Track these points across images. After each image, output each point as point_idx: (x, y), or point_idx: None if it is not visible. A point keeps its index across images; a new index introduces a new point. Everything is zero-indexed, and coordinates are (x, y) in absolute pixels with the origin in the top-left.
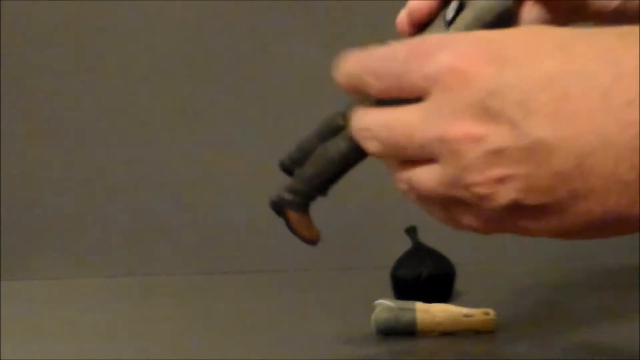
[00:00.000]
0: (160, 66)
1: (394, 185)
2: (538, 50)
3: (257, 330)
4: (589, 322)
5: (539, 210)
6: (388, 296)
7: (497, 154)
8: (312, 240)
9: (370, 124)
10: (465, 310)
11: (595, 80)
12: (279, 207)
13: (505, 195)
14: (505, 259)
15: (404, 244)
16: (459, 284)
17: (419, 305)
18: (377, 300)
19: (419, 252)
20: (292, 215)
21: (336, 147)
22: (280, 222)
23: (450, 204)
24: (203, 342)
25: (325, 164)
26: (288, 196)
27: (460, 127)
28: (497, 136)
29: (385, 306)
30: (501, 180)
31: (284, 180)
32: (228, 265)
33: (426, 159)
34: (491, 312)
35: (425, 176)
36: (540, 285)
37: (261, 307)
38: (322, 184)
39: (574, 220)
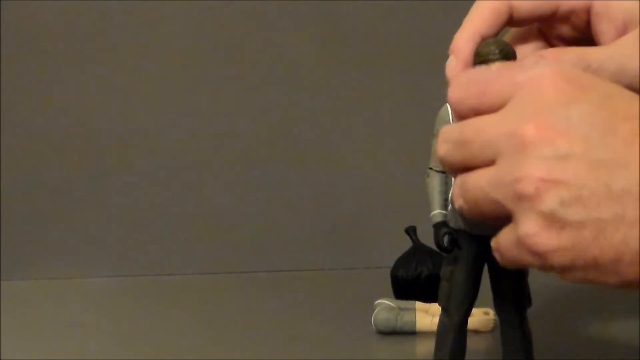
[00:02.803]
0: (161, 65)
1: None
2: (607, 128)
3: (257, 330)
4: (588, 322)
5: (575, 227)
6: (388, 296)
7: (561, 160)
8: None
9: (448, 128)
10: None
11: None
12: None
13: (550, 200)
14: None
15: (404, 244)
16: None
17: (419, 305)
18: (377, 300)
19: (419, 252)
20: None
21: None
22: (280, 222)
23: (492, 214)
24: (203, 342)
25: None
26: None
27: (535, 127)
28: (569, 143)
29: (385, 306)
30: (552, 182)
31: (284, 176)
32: (228, 265)
33: (487, 162)
34: (491, 312)
35: (478, 176)
36: (539, 285)
37: (261, 307)
38: None
39: (605, 249)
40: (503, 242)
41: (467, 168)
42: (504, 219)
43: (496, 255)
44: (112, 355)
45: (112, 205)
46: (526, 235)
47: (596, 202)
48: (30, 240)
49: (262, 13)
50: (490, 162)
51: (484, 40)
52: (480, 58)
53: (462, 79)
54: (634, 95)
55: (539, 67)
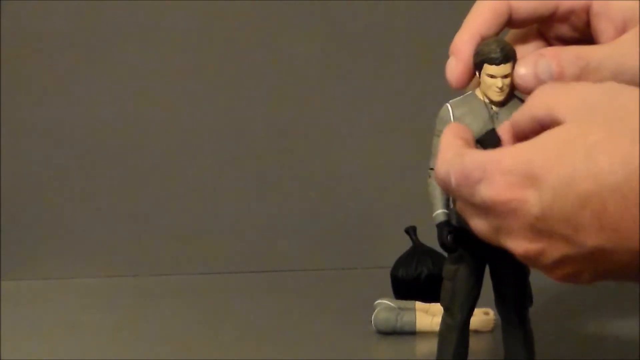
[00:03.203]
0: (162, 66)
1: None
2: (568, 171)
3: (257, 330)
4: (589, 322)
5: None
6: (388, 296)
7: (563, 261)
8: None
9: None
10: None
11: (625, 190)
12: None
13: (582, 282)
14: None
15: (404, 244)
16: None
17: (419, 305)
18: (377, 300)
19: (419, 252)
20: None
21: None
22: (279, 222)
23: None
24: (203, 342)
25: None
26: None
27: (519, 247)
28: (557, 249)
29: (385, 306)
30: (573, 275)
31: (284, 176)
32: (228, 265)
33: None
34: (491, 312)
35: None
36: (539, 285)
37: (261, 307)
38: None
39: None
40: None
41: None
42: None
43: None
44: (112, 355)
45: (112, 205)
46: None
47: (612, 270)
48: (30, 240)
49: (263, 13)
50: None
51: (484, 40)
52: (480, 57)
53: (443, 176)
54: (588, 156)
55: (483, 186)
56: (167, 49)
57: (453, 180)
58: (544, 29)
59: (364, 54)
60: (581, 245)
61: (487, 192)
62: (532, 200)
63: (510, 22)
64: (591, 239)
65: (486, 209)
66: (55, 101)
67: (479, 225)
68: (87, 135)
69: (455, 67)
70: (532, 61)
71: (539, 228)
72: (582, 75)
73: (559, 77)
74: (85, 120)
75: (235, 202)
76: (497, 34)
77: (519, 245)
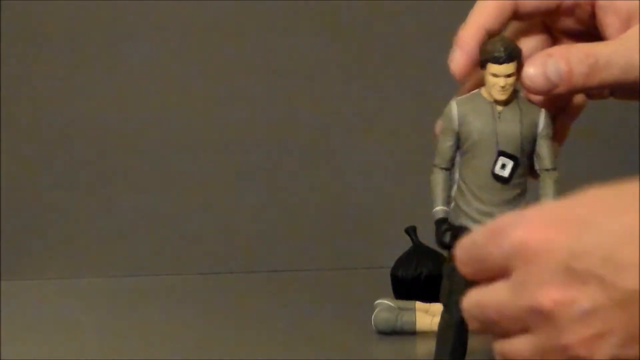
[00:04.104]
0: (162, 66)
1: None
2: (613, 208)
3: (257, 330)
4: None
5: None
6: (388, 296)
7: (592, 314)
8: None
9: (467, 305)
10: None
11: None
12: None
13: (605, 351)
14: None
15: (404, 244)
16: None
17: (419, 305)
18: (377, 300)
19: (419, 252)
20: None
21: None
22: (279, 222)
23: None
24: (202, 342)
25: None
26: None
27: (549, 295)
28: (589, 296)
29: (385, 306)
30: (599, 337)
31: (284, 176)
32: (228, 265)
33: (520, 330)
34: None
35: (520, 346)
36: None
37: (261, 307)
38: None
39: None
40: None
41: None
42: None
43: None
44: (112, 355)
45: (112, 205)
46: None
47: None
48: (30, 240)
49: (263, 13)
50: (524, 331)
51: (490, 38)
52: (485, 55)
53: (462, 256)
54: (612, 205)
55: (517, 228)
56: (169, 50)
57: (481, 239)
58: (548, 22)
59: (366, 53)
60: (616, 289)
61: (522, 233)
62: (571, 236)
63: (516, 15)
64: (628, 280)
65: (514, 256)
66: (56, 101)
67: (504, 289)
68: (88, 136)
69: (460, 58)
70: (540, 61)
71: (574, 268)
72: (591, 73)
73: (568, 77)
74: (86, 120)
75: (236, 202)
76: (502, 28)
77: (548, 294)
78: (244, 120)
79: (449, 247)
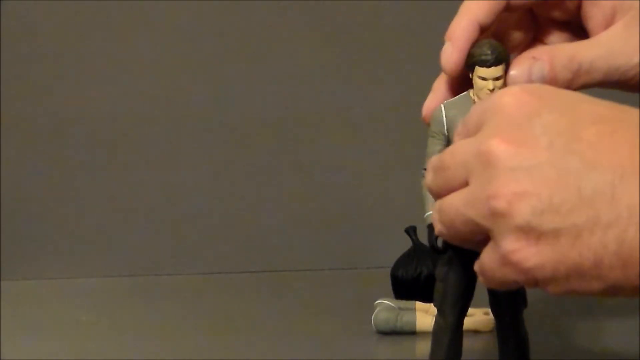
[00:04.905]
0: (161, 66)
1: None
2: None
3: (257, 330)
4: (586, 322)
5: (552, 236)
6: (388, 296)
7: (526, 171)
8: None
9: (434, 158)
10: None
11: None
12: None
13: (523, 211)
14: None
15: (404, 244)
16: None
17: (419, 305)
18: (377, 300)
19: (419, 252)
20: None
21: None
22: (279, 222)
23: (470, 235)
24: (202, 342)
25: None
26: None
27: (499, 141)
28: (534, 155)
29: (385, 306)
30: (522, 194)
31: (284, 176)
32: (228, 265)
33: (461, 184)
34: (491, 312)
35: (454, 200)
36: None
37: (261, 307)
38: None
39: (584, 254)
40: (487, 264)
41: (447, 192)
42: (481, 239)
43: (481, 279)
44: (111, 355)
45: (112, 205)
46: (509, 252)
47: (569, 208)
48: (30, 240)
49: (263, 13)
50: (465, 184)
51: (477, 42)
52: (472, 59)
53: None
54: (599, 101)
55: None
56: (169, 50)
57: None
58: (536, 11)
59: (365, 53)
60: (559, 158)
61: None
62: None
63: (507, 7)
64: (579, 156)
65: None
66: (55, 101)
67: (463, 143)
68: (87, 136)
69: (451, 53)
70: (526, 65)
71: (533, 125)
72: (574, 78)
73: (551, 82)
74: (86, 120)
75: (236, 202)
76: (494, 21)
77: (496, 142)
78: (243, 120)
79: (441, 251)
